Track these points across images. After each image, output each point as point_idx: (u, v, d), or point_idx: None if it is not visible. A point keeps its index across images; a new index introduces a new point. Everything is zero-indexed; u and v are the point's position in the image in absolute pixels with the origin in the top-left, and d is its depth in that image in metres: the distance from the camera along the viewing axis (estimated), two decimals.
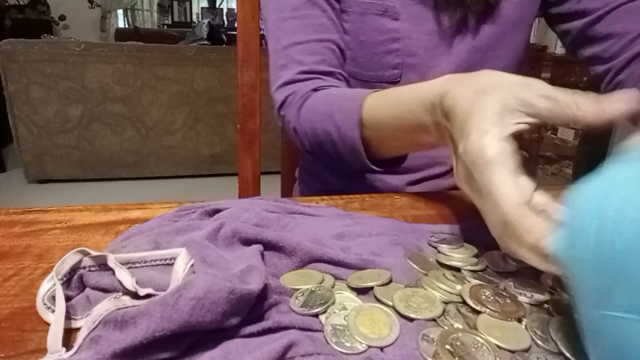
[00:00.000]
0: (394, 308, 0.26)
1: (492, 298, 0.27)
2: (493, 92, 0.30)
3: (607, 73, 0.55)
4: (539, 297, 0.27)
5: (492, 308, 0.26)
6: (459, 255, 0.32)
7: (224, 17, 5.55)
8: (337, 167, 0.53)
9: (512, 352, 0.23)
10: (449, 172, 0.62)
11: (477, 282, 0.29)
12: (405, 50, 0.56)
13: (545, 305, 0.27)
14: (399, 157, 0.49)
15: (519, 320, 0.25)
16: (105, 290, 0.27)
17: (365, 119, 0.46)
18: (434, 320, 0.25)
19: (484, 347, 0.23)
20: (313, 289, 0.27)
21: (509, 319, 0.25)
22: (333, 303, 0.26)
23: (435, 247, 0.33)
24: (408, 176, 0.61)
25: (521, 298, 0.27)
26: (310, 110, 0.52)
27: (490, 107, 0.30)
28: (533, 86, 0.30)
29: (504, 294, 0.27)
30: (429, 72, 0.56)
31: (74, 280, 0.27)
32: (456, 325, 0.25)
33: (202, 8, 5.66)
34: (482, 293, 0.27)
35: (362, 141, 0.46)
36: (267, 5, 0.58)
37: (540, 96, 0.29)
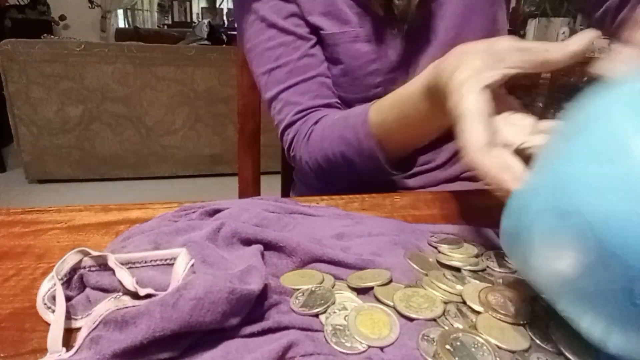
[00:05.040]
0: (394, 308, 0.26)
1: (502, 300, 0.26)
2: (472, 53, 0.35)
3: (606, 14, 0.57)
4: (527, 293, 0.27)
5: (504, 312, 0.25)
6: (459, 255, 0.32)
7: (224, 17, 5.55)
8: (354, 186, 0.55)
9: (512, 352, 0.23)
10: (445, 163, 0.62)
11: (477, 282, 0.29)
12: (384, 68, 0.57)
13: (545, 305, 0.27)
14: (411, 159, 0.51)
15: (528, 322, 0.25)
16: (106, 290, 0.27)
17: (374, 127, 0.48)
18: (434, 320, 0.25)
19: (484, 347, 0.23)
20: (313, 289, 0.27)
21: (522, 321, 0.25)
22: (333, 303, 0.26)
23: (435, 247, 0.33)
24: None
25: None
26: (318, 140, 0.54)
27: (470, 63, 0.34)
28: (506, 42, 0.34)
29: (514, 293, 0.27)
30: (409, 79, 0.56)
31: (74, 280, 0.27)
32: (456, 325, 0.25)
33: (202, 8, 5.66)
34: (491, 296, 0.27)
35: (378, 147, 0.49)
36: (249, 55, 0.60)
37: (514, 49, 0.33)
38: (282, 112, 0.58)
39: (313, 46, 0.58)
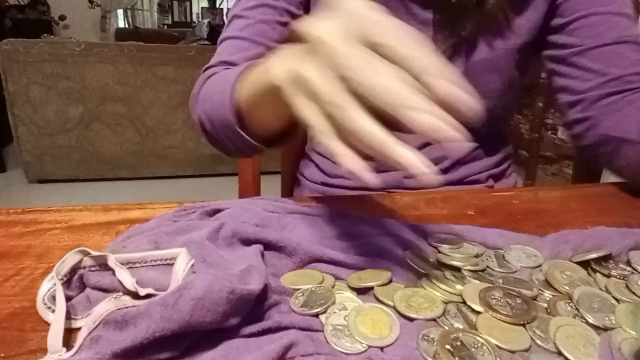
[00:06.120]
0: (394, 308, 0.26)
1: (502, 300, 0.26)
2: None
3: (576, 104, 0.55)
4: (527, 293, 0.27)
5: (504, 312, 0.25)
6: (459, 255, 0.32)
7: (224, 17, 5.54)
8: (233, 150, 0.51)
9: (512, 352, 0.23)
10: (449, 169, 0.62)
11: (477, 282, 0.29)
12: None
13: (545, 305, 0.27)
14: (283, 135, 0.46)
15: (528, 322, 0.25)
16: (106, 290, 0.27)
17: (240, 98, 0.43)
18: (434, 320, 0.25)
19: (484, 347, 0.23)
20: (313, 289, 0.27)
21: (522, 322, 0.25)
22: (333, 303, 0.26)
23: (435, 247, 0.33)
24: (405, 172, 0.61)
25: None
26: (210, 84, 0.51)
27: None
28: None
29: (514, 293, 0.27)
30: None
31: (74, 280, 0.27)
32: (456, 325, 0.25)
33: (202, 8, 5.66)
34: (491, 296, 0.27)
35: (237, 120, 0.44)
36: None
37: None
38: (212, 58, 0.56)
39: (283, 23, 0.56)
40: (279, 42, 0.56)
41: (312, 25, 0.28)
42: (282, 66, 0.32)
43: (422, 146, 0.56)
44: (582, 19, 0.53)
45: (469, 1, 0.52)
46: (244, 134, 0.44)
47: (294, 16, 0.57)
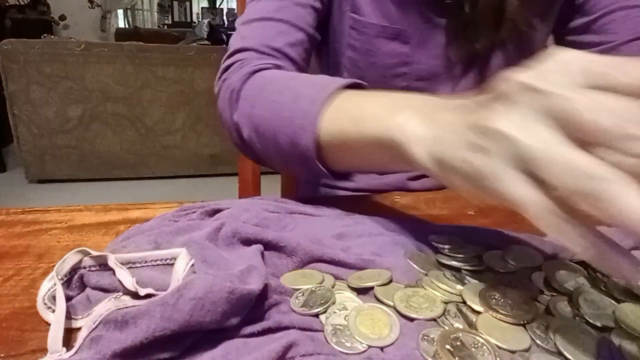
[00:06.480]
0: (394, 308, 0.26)
1: (502, 300, 0.26)
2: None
3: None
4: (527, 293, 0.27)
5: (504, 312, 0.25)
6: (459, 255, 0.32)
7: (224, 17, 5.54)
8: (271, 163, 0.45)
9: (512, 352, 0.23)
10: None
11: (477, 282, 0.29)
12: (413, 74, 0.55)
13: (545, 305, 0.27)
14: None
15: (528, 322, 0.25)
16: (106, 290, 0.27)
17: (324, 129, 0.37)
18: (434, 320, 0.25)
19: (484, 347, 0.23)
20: (313, 289, 0.27)
21: (522, 322, 0.25)
22: (333, 303, 0.26)
23: (435, 247, 0.33)
24: (409, 173, 0.61)
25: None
26: (261, 84, 0.43)
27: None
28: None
29: (514, 293, 0.27)
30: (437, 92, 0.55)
31: (74, 280, 0.27)
32: (456, 325, 0.25)
33: (202, 8, 5.66)
34: (491, 296, 0.27)
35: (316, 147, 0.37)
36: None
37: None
38: (245, 40, 0.48)
39: (319, 16, 0.52)
40: (315, 29, 0.52)
41: (517, 74, 0.22)
42: (431, 140, 0.26)
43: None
44: (608, 15, 0.52)
45: (484, 17, 0.50)
46: (321, 167, 0.38)
47: (324, 5, 0.54)
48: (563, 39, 0.57)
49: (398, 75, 0.55)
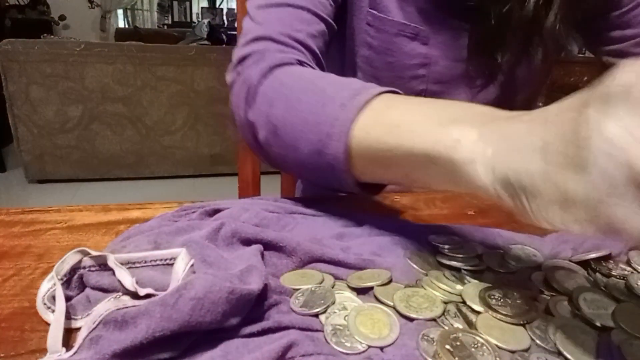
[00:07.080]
0: (394, 308, 0.26)
1: (502, 300, 0.26)
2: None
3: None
4: (527, 293, 0.27)
5: (504, 312, 0.25)
6: (459, 255, 0.32)
7: (224, 17, 5.55)
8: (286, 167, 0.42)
9: (512, 352, 0.23)
10: None
11: (477, 282, 0.29)
12: (431, 77, 0.53)
13: (545, 305, 0.27)
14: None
15: (528, 322, 0.25)
16: (105, 290, 0.27)
17: (354, 143, 0.33)
18: (434, 320, 0.25)
19: (484, 347, 0.23)
20: (313, 289, 0.27)
21: (522, 322, 0.25)
22: (333, 303, 0.26)
23: (435, 247, 0.33)
24: None
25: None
26: (283, 81, 0.39)
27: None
28: None
29: (514, 293, 0.27)
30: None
31: (74, 280, 0.27)
32: (456, 325, 0.25)
33: (202, 8, 5.66)
34: (491, 296, 0.27)
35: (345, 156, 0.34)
36: None
37: None
38: (262, 26, 0.43)
39: (334, 11, 0.49)
40: (334, 21, 0.48)
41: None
42: (501, 156, 0.22)
43: None
44: (637, 9, 0.52)
45: (515, 32, 0.47)
46: (350, 181, 0.35)
47: None
48: (589, 37, 0.55)
49: (416, 77, 0.53)
